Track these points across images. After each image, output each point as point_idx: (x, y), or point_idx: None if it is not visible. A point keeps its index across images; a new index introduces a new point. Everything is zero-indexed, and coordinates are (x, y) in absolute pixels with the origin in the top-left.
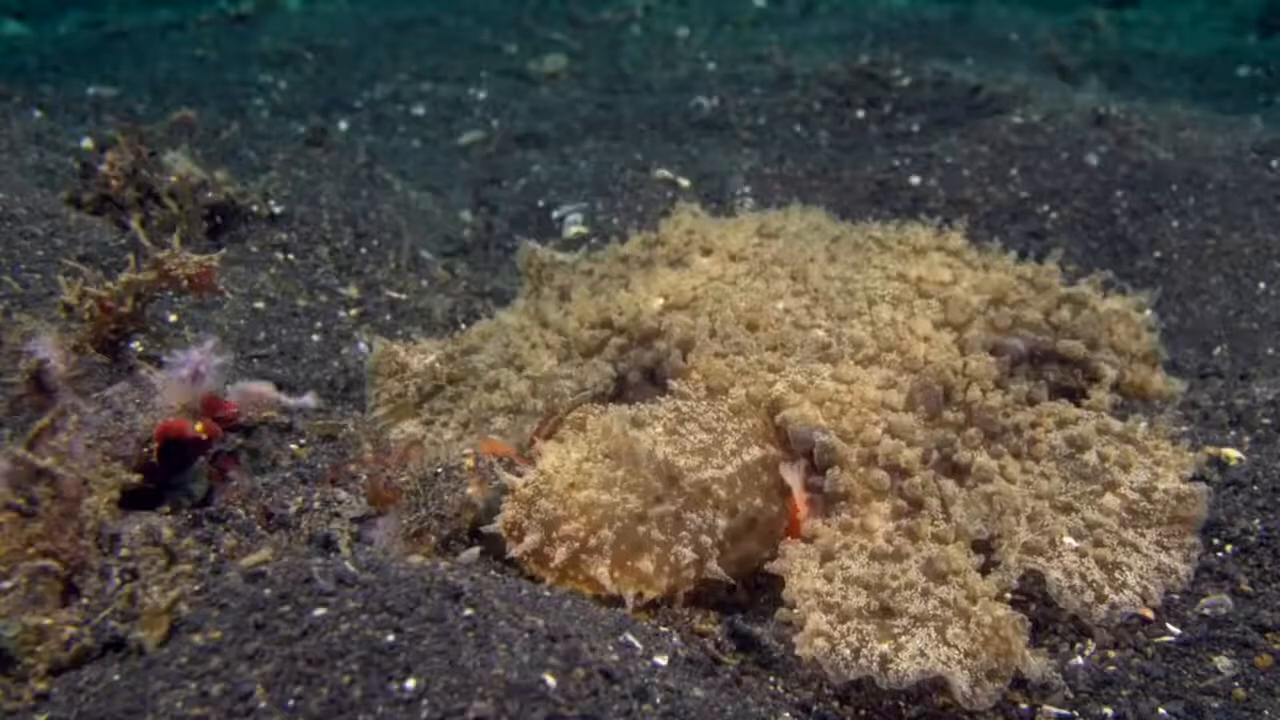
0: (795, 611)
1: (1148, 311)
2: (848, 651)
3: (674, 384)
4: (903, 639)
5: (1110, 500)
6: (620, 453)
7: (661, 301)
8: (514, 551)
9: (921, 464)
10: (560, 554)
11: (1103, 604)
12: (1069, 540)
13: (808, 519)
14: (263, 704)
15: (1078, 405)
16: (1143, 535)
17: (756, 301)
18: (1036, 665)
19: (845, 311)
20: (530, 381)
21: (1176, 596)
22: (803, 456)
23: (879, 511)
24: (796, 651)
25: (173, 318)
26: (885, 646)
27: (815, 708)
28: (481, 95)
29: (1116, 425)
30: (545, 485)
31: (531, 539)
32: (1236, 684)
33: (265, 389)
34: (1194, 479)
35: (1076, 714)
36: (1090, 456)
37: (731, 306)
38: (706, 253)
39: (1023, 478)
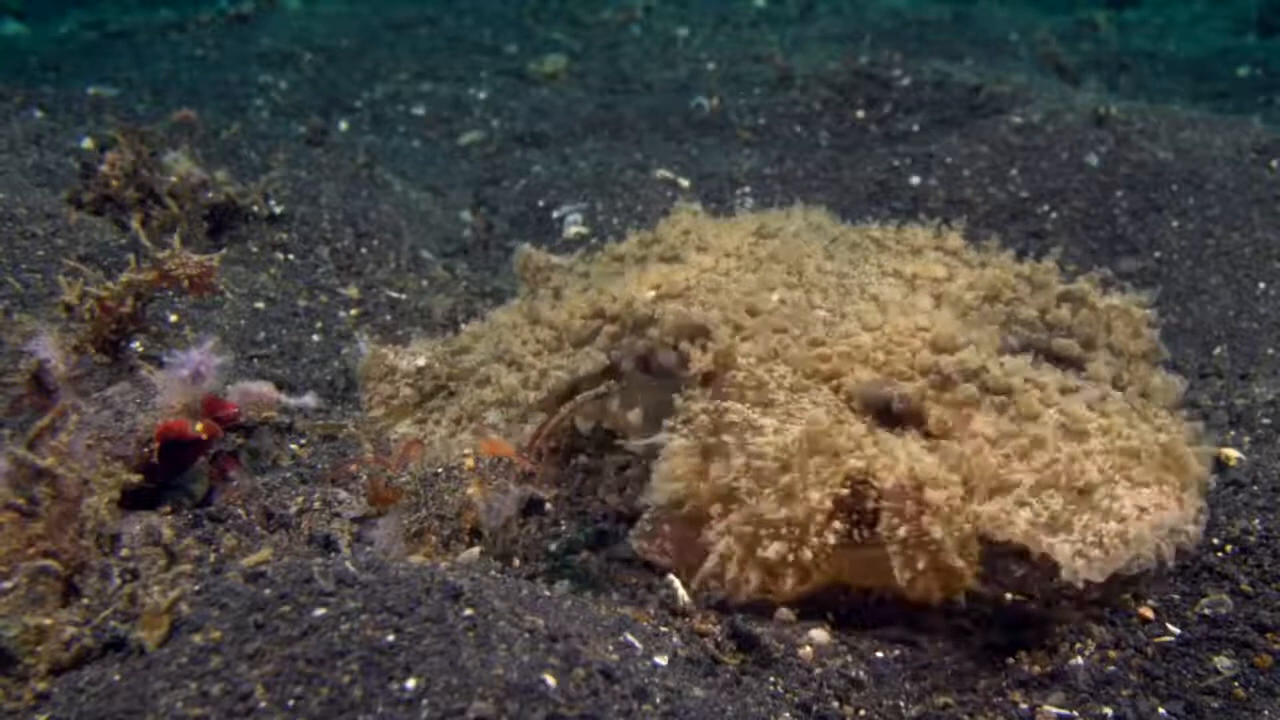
0: (1042, 547)
1: (1148, 310)
2: (1097, 551)
3: (765, 376)
4: (1115, 506)
5: None
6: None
7: (653, 292)
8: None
9: (981, 356)
10: (966, 569)
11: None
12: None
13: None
14: (263, 704)
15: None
16: None
17: (751, 289)
18: (1201, 471)
19: (841, 301)
20: (521, 375)
21: (1177, 596)
22: (875, 416)
23: (987, 421)
24: (1068, 578)
25: (173, 318)
26: (1113, 524)
27: (815, 708)
28: (481, 95)
29: (1117, 394)
30: (941, 499)
31: (955, 557)
32: (1236, 684)
33: (265, 389)
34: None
35: (1076, 714)
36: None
37: (726, 294)
38: (702, 250)
39: None
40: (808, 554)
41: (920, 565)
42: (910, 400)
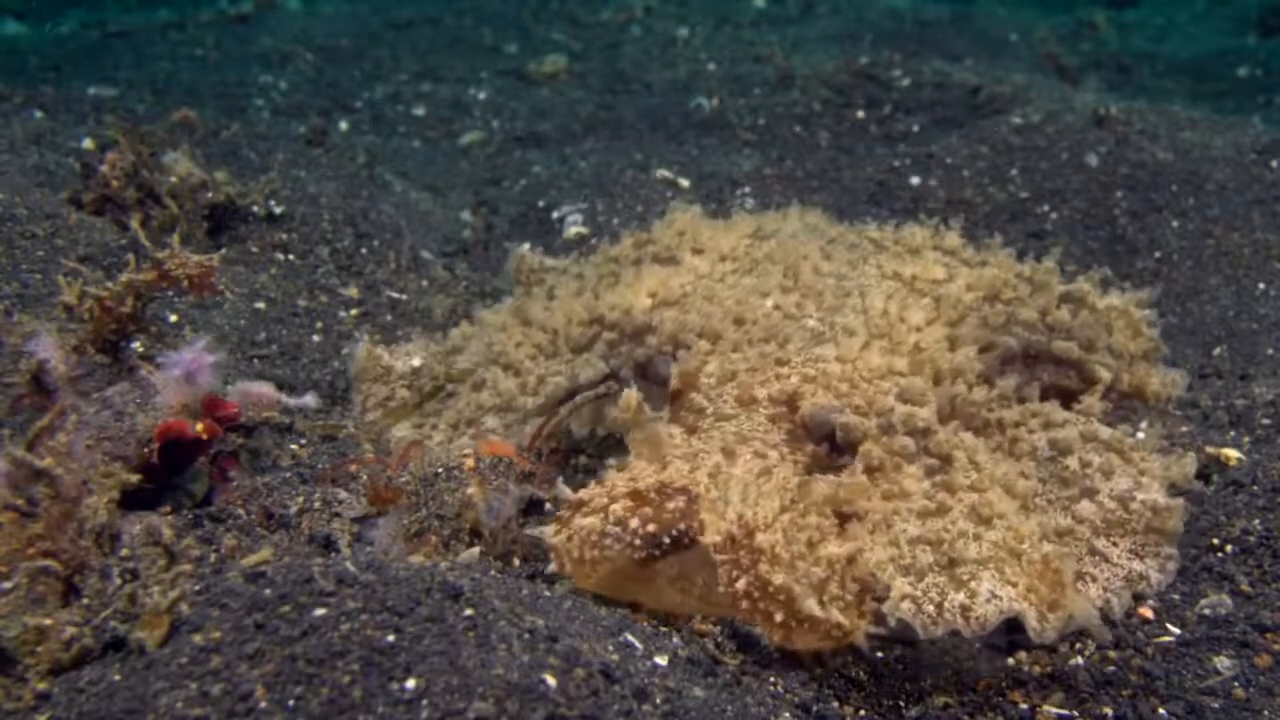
0: (881, 579)
1: (1148, 311)
2: (931, 608)
3: (705, 402)
4: (973, 585)
5: (1086, 507)
6: (831, 499)
7: (650, 300)
8: (805, 611)
9: (938, 420)
10: (835, 614)
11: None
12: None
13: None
14: (263, 704)
15: (1070, 408)
16: (1115, 545)
17: (743, 296)
18: (1081, 605)
19: (836, 306)
20: (519, 379)
21: (1177, 596)
22: (824, 440)
23: (912, 474)
24: (885, 613)
25: (173, 318)
26: (962, 596)
27: (815, 708)
28: (481, 95)
29: (1104, 433)
30: (777, 543)
31: (811, 603)
32: (1236, 684)
33: (265, 389)
34: (1178, 492)
35: (1076, 714)
36: (1072, 462)
37: (718, 302)
38: (697, 252)
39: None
40: (563, 534)
41: (779, 618)
42: (850, 433)
